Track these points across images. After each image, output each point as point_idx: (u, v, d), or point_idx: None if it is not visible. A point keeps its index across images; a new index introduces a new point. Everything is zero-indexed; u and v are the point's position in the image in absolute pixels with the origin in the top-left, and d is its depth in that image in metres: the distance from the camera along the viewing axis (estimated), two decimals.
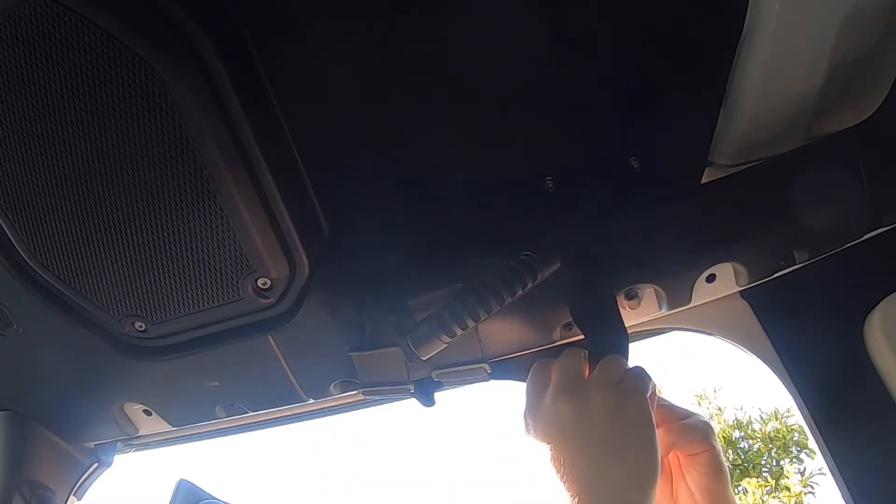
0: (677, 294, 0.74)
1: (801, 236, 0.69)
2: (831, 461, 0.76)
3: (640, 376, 0.64)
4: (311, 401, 0.86)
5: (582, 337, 0.73)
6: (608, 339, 0.70)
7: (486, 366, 0.76)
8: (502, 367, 0.78)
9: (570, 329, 0.75)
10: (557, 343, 0.77)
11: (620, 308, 0.76)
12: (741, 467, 8.50)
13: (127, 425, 0.95)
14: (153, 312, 0.76)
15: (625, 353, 0.70)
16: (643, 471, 0.59)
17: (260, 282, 0.72)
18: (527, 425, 0.67)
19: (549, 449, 0.62)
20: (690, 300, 0.74)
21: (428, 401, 0.79)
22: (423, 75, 0.67)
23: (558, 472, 0.60)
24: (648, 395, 0.63)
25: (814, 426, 0.77)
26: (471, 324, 0.65)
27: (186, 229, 0.68)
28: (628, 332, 0.87)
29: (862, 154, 0.66)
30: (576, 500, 0.58)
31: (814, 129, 0.69)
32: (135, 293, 0.74)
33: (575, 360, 0.67)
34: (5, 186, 0.68)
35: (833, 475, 0.76)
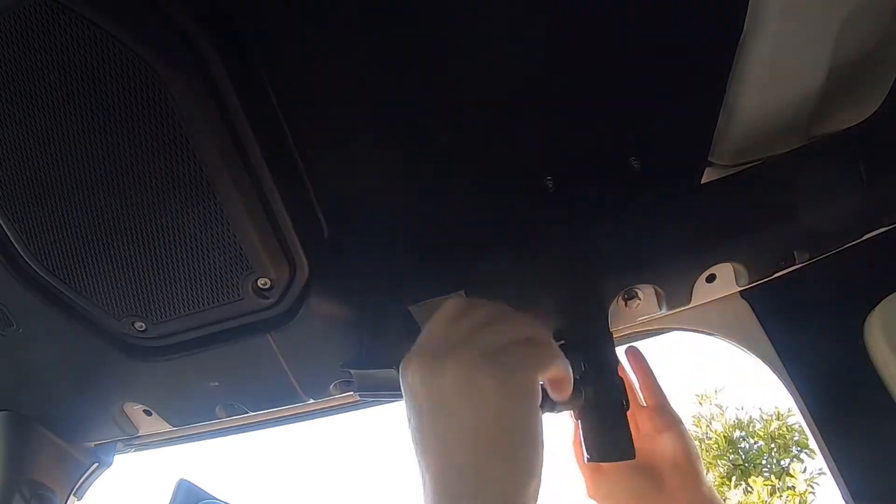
0: (677, 294, 0.74)
1: (801, 236, 0.69)
2: (831, 461, 0.76)
3: (538, 348, 0.50)
4: (311, 401, 0.86)
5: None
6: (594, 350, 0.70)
7: None
8: None
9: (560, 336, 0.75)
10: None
11: (620, 308, 0.76)
12: (742, 467, 8.49)
13: (127, 425, 0.96)
14: (153, 312, 0.76)
15: (613, 361, 0.70)
16: (520, 469, 0.46)
17: (260, 282, 0.72)
18: (404, 391, 0.51)
19: (420, 428, 0.49)
20: (690, 300, 0.75)
21: None
22: (424, 75, 0.67)
23: (428, 453, 0.48)
24: (545, 373, 0.50)
25: (814, 426, 0.77)
26: None
27: (186, 229, 0.68)
28: (629, 332, 0.87)
29: (862, 154, 0.66)
30: (446, 488, 0.46)
31: (814, 129, 0.69)
32: (135, 293, 0.74)
33: (459, 313, 0.51)
34: (5, 187, 0.68)
35: (833, 475, 0.76)
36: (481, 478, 0.45)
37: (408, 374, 0.49)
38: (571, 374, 0.53)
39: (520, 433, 0.47)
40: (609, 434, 0.68)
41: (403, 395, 0.50)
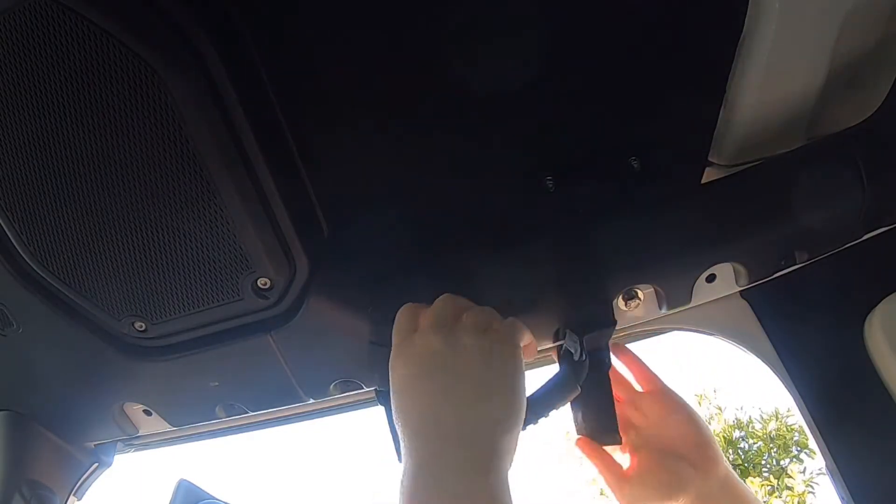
0: (677, 294, 0.74)
1: (801, 236, 0.69)
2: (831, 461, 0.76)
3: (514, 324, 0.62)
4: (311, 401, 0.86)
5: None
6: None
7: None
8: None
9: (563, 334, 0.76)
10: (552, 345, 0.77)
11: (621, 308, 0.76)
12: (741, 467, 8.50)
13: (127, 425, 0.95)
14: (153, 312, 0.76)
15: (607, 364, 0.73)
16: (506, 417, 0.57)
17: (260, 282, 0.72)
18: (391, 369, 0.62)
19: (409, 389, 0.59)
20: (690, 300, 0.74)
21: None
22: (424, 75, 0.67)
23: (415, 412, 0.57)
24: (522, 342, 0.62)
25: (814, 426, 0.77)
26: None
27: (186, 229, 0.68)
28: (629, 332, 0.87)
29: (862, 154, 0.66)
30: (431, 442, 0.55)
31: (814, 129, 0.69)
32: (135, 293, 0.74)
33: (450, 303, 0.62)
34: (5, 186, 0.68)
35: (833, 475, 0.76)
36: (461, 422, 0.55)
37: (428, 341, 0.59)
38: (535, 342, 0.65)
39: (503, 384, 0.57)
40: (600, 421, 0.74)
41: (410, 363, 0.60)
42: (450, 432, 0.55)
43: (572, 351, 0.71)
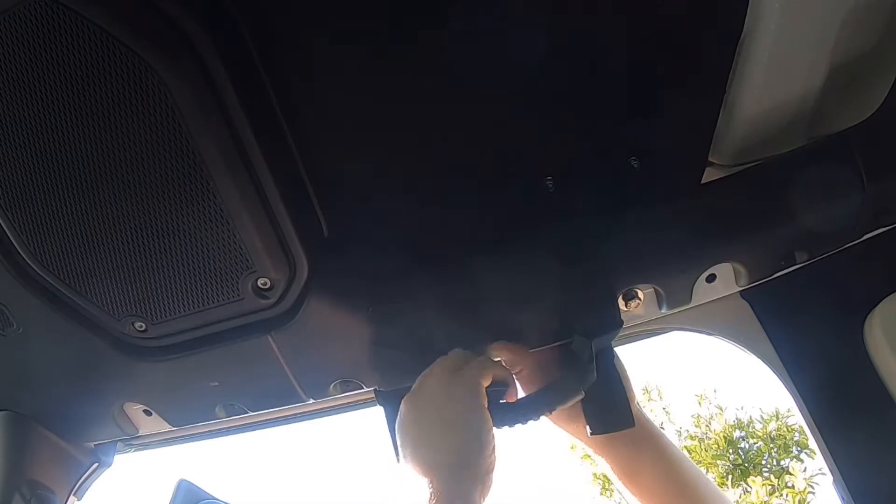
0: (677, 294, 0.74)
1: (802, 236, 0.69)
2: (831, 461, 0.76)
3: (480, 363, 0.68)
4: (311, 401, 0.86)
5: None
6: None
7: None
8: None
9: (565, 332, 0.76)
10: (555, 344, 0.77)
11: (621, 308, 0.76)
12: (742, 467, 8.49)
13: (127, 425, 0.95)
14: (153, 312, 0.76)
15: (612, 358, 0.72)
16: (460, 447, 0.63)
17: (260, 282, 0.72)
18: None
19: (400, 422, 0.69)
20: (690, 300, 0.75)
21: None
22: (424, 75, 0.67)
23: (403, 446, 0.67)
24: (484, 381, 0.67)
25: (814, 426, 0.77)
26: None
27: (186, 229, 0.68)
28: (629, 332, 0.87)
29: (862, 154, 0.66)
30: (409, 474, 0.64)
31: (814, 129, 0.69)
32: (135, 293, 0.74)
33: (451, 358, 0.70)
34: (5, 186, 0.68)
35: (833, 475, 0.76)
36: (419, 457, 0.64)
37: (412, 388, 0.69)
38: (513, 379, 0.72)
39: (459, 420, 0.64)
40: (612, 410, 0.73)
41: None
42: (416, 466, 0.64)
43: (579, 355, 0.71)
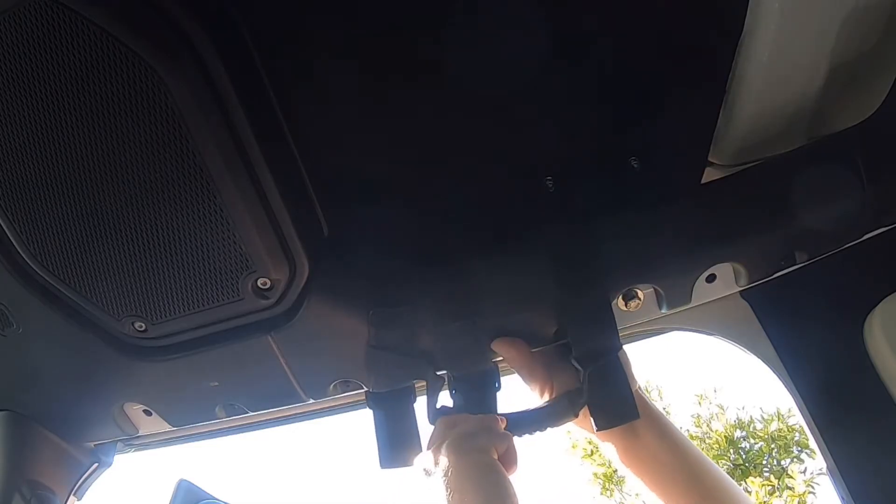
0: (677, 294, 0.74)
1: (801, 236, 0.69)
2: (831, 461, 0.76)
3: (481, 427, 0.70)
4: (311, 401, 0.86)
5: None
6: (598, 343, 0.72)
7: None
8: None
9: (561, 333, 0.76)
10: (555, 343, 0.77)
11: (621, 308, 0.76)
12: (742, 467, 8.49)
13: (127, 425, 0.95)
14: (153, 312, 0.76)
15: (615, 354, 0.72)
16: None
17: (260, 282, 0.72)
18: None
19: None
20: (690, 300, 0.75)
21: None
22: (424, 76, 0.67)
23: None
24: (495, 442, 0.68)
25: (814, 426, 0.77)
26: None
27: (187, 229, 0.68)
28: (629, 332, 0.87)
29: (862, 154, 0.66)
30: None
31: (814, 129, 0.69)
32: (135, 293, 0.74)
33: (440, 426, 0.72)
34: (5, 186, 0.68)
35: (833, 475, 0.76)
36: None
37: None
38: (515, 450, 0.70)
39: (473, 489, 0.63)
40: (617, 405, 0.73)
41: None
42: None
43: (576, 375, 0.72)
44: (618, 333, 0.73)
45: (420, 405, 0.79)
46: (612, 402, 0.72)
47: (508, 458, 0.69)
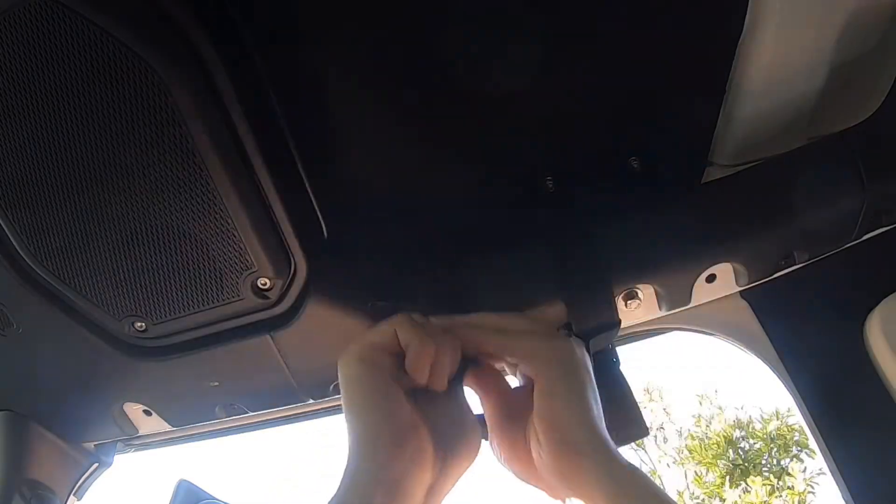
0: (677, 294, 0.74)
1: (801, 236, 0.69)
2: (831, 461, 0.76)
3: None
4: (311, 401, 0.86)
5: None
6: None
7: None
8: None
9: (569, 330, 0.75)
10: None
11: (620, 308, 0.76)
12: (742, 467, 8.50)
13: (127, 425, 0.95)
14: (153, 312, 0.76)
15: (616, 356, 0.70)
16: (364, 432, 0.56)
17: (260, 282, 0.72)
18: None
19: None
20: (690, 300, 0.74)
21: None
22: (424, 75, 0.67)
23: None
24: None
25: (814, 426, 0.77)
26: None
27: (186, 229, 0.68)
28: (629, 332, 0.87)
29: (862, 154, 0.66)
30: None
31: (814, 129, 0.69)
32: (135, 293, 0.74)
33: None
34: (5, 186, 0.68)
35: (833, 475, 0.76)
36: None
37: None
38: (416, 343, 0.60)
39: (349, 391, 0.60)
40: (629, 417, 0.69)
41: None
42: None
43: None
44: (617, 333, 0.73)
45: None
46: (623, 415, 0.68)
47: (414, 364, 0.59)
